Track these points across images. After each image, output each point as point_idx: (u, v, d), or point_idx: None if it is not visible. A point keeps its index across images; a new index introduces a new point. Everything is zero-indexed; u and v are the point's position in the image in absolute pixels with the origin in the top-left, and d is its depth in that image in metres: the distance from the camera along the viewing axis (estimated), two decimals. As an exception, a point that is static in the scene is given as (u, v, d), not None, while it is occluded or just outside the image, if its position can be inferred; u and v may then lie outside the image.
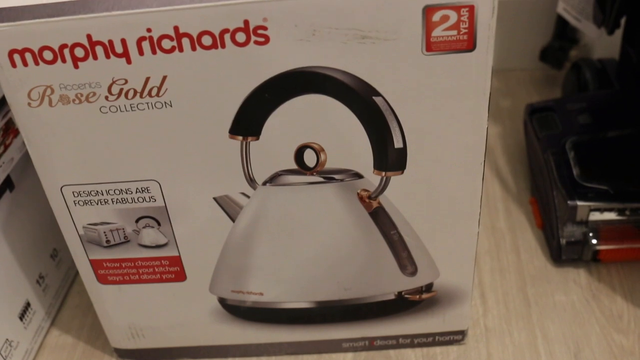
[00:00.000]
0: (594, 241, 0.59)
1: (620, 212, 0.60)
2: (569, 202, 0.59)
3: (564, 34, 0.81)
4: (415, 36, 0.39)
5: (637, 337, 0.55)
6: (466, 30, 0.39)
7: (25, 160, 0.56)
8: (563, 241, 0.60)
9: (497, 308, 0.58)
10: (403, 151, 0.43)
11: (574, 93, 0.76)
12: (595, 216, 0.60)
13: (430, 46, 0.39)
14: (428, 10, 0.38)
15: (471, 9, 0.38)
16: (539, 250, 0.63)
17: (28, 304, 0.57)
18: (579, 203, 0.59)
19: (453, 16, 0.38)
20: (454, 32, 0.39)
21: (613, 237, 0.60)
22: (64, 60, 0.39)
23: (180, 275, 0.50)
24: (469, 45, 0.39)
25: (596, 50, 0.84)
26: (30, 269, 0.57)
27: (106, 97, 0.41)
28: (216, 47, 0.39)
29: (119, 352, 0.56)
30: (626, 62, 0.69)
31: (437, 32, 0.39)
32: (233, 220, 0.46)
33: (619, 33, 0.67)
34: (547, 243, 0.63)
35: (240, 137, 0.42)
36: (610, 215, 0.60)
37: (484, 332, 0.56)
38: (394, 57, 0.39)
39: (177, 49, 0.39)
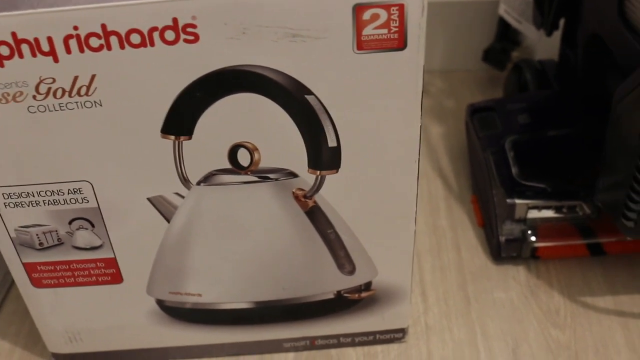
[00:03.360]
0: (533, 238, 0.60)
1: (558, 209, 0.61)
2: (507, 200, 0.60)
3: (506, 36, 0.82)
4: (346, 34, 0.39)
5: (573, 332, 0.56)
6: (396, 29, 0.39)
7: (-42, 162, 0.55)
8: (502, 239, 0.61)
9: (438, 306, 0.59)
10: (337, 150, 0.43)
11: (515, 93, 0.77)
12: (534, 214, 0.61)
13: (361, 45, 0.39)
14: (358, 9, 0.38)
15: (401, 7, 0.38)
16: (479, 248, 0.64)
17: (-38, 310, 0.55)
18: (517, 201, 0.60)
19: (383, 15, 0.38)
20: (385, 31, 0.39)
21: (551, 234, 0.61)
22: (-11, 59, 0.39)
23: (116, 277, 0.49)
24: (400, 43, 0.39)
25: (538, 52, 0.85)
26: (-36, 274, 0.56)
27: (34, 97, 0.40)
28: (145, 46, 0.38)
29: (57, 357, 0.55)
30: (565, 63, 0.71)
31: (368, 31, 0.39)
32: (168, 221, 0.46)
33: (559, 34, 0.69)
34: (487, 241, 0.64)
35: (173, 137, 0.42)
36: (548, 213, 0.61)
37: (424, 330, 0.56)
38: (325, 55, 0.39)
39: (105, 47, 0.38)
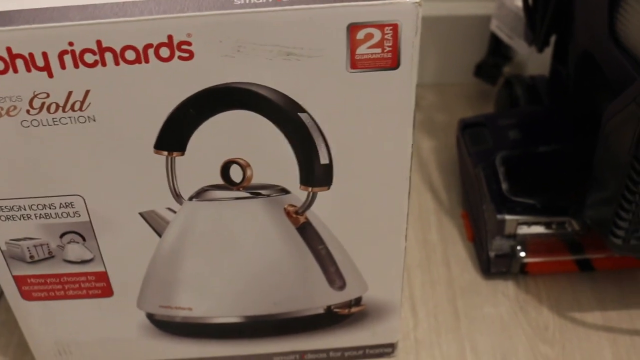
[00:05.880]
0: (522, 254, 0.61)
1: (547, 225, 0.61)
2: (497, 216, 0.60)
3: (497, 51, 0.83)
4: (340, 54, 0.39)
5: (562, 348, 0.56)
6: (390, 49, 0.39)
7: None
8: (492, 254, 0.61)
9: (428, 321, 0.59)
10: (329, 167, 0.43)
11: (506, 108, 0.78)
12: (523, 230, 0.61)
13: (355, 64, 0.40)
14: (352, 28, 0.38)
15: (395, 27, 0.38)
16: (469, 263, 0.64)
17: (-50, 321, 0.55)
18: (507, 217, 0.60)
19: (377, 34, 0.39)
20: (378, 50, 0.39)
21: (540, 250, 0.61)
22: (-18, 73, 0.39)
23: (106, 291, 0.49)
24: (393, 63, 0.40)
25: (529, 67, 0.86)
26: (-47, 285, 0.56)
27: (27, 111, 0.40)
28: (140, 62, 0.39)
29: (45, 369, 0.55)
30: (556, 79, 0.71)
31: (362, 50, 0.39)
32: (160, 236, 0.46)
33: (550, 50, 0.69)
34: (477, 256, 0.65)
35: (166, 153, 0.42)
36: (538, 229, 0.61)
37: (414, 345, 0.57)
38: (319, 74, 0.40)
39: (100, 63, 0.38)
